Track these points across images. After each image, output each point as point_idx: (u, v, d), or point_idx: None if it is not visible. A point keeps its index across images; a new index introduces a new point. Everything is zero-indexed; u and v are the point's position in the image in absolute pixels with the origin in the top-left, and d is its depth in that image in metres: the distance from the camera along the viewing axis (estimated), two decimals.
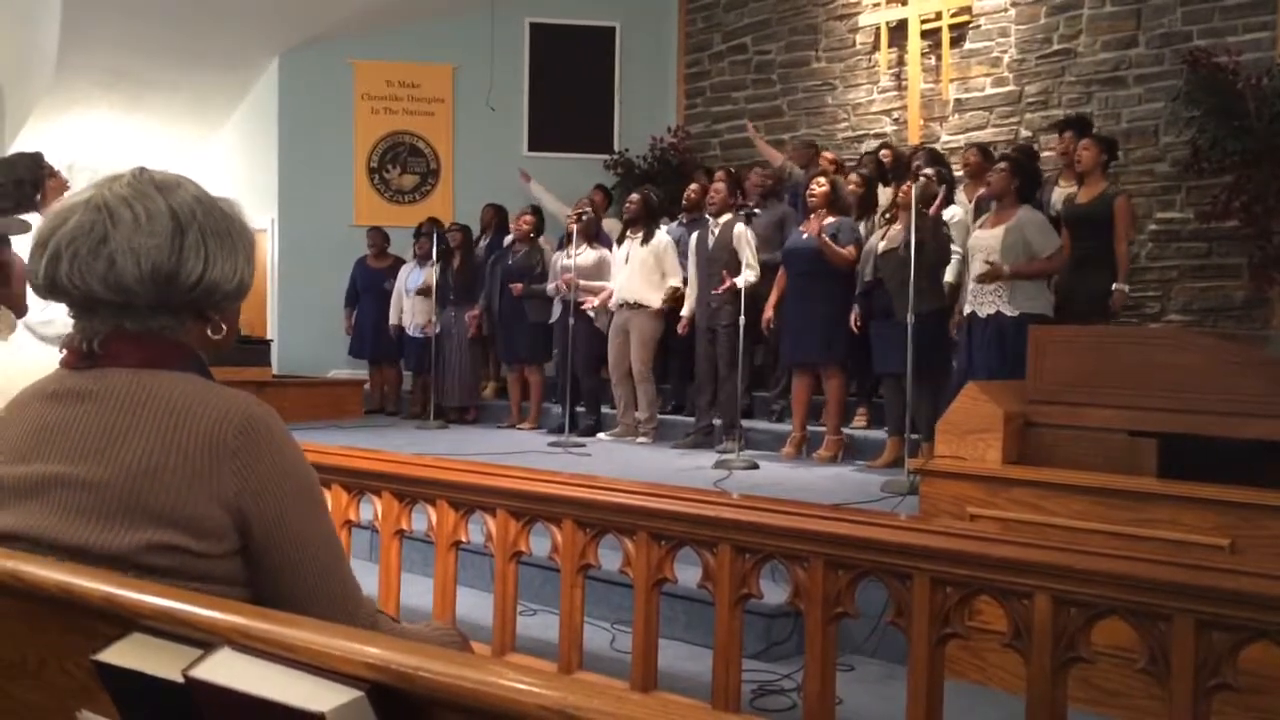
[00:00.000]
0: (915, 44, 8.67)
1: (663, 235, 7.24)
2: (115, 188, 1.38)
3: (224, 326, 1.46)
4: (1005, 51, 8.30)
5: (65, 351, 1.41)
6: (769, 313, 6.54)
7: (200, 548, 1.30)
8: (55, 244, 1.35)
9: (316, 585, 1.38)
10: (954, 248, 5.98)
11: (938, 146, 8.15)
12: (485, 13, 9.88)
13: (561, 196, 9.20)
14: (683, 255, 7.15)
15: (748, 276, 6.44)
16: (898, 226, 5.85)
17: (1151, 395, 3.64)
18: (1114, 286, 5.67)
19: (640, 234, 7.17)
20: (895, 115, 8.92)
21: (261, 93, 10.04)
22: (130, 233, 1.34)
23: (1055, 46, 8.03)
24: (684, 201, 7.76)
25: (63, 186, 4.10)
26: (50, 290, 1.37)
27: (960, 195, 6.62)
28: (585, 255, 7.49)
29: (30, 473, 1.35)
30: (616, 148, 10.23)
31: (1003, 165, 5.68)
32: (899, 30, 8.81)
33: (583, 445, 6.86)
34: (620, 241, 7.43)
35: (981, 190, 6.33)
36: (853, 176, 6.84)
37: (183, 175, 1.45)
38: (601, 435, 7.37)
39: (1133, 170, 7.50)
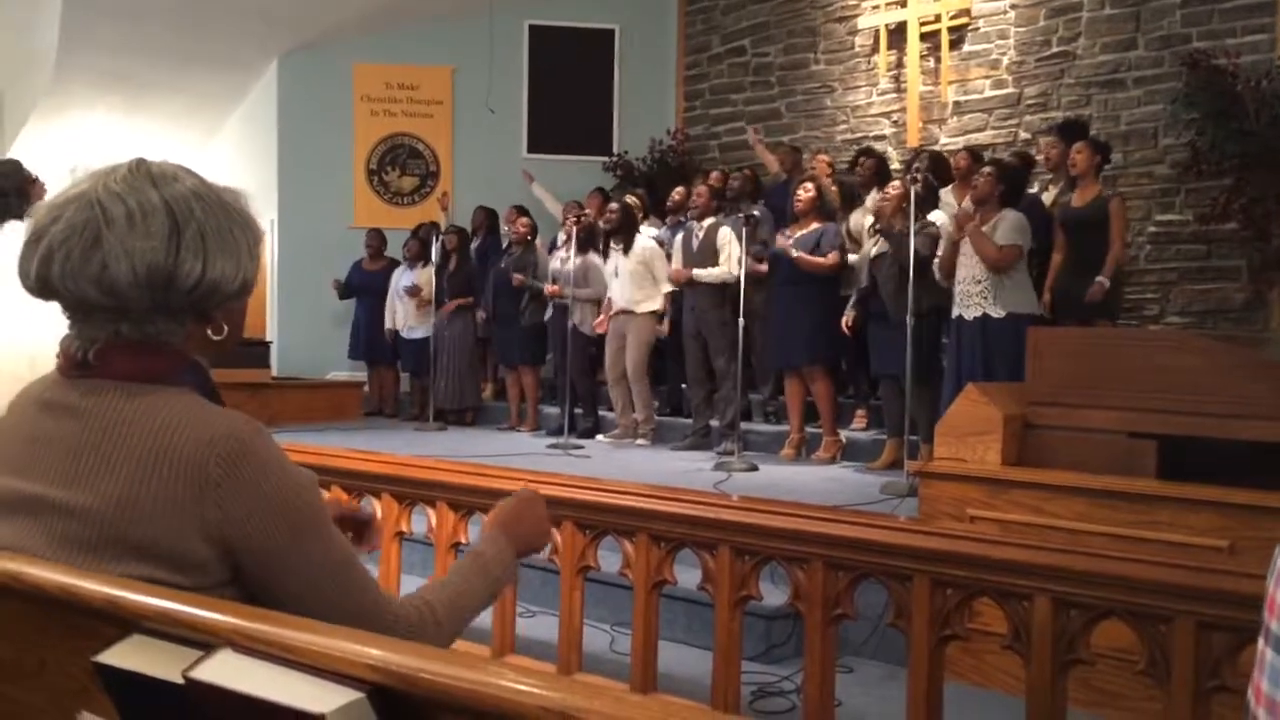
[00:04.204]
0: (914, 46, 8.68)
1: (646, 241, 7.23)
2: (110, 182, 1.30)
3: (225, 326, 1.37)
4: (1004, 54, 8.31)
5: (60, 355, 1.34)
6: (684, 274, 6.58)
7: (184, 581, 1.24)
8: (48, 243, 1.28)
9: (329, 609, 1.29)
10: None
11: (937, 148, 8.15)
12: (484, 15, 9.88)
13: (561, 198, 9.20)
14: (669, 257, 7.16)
15: (717, 269, 6.46)
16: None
17: (1151, 397, 3.65)
18: (1096, 278, 5.65)
19: (622, 244, 7.17)
20: (894, 118, 8.93)
21: (261, 95, 10.05)
22: (124, 233, 1.26)
23: (1054, 49, 8.04)
24: (668, 204, 7.75)
25: (43, 190, 4.06)
26: (43, 291, 1.30)
27: (950, 198, 6.63)
28: (571, 262, 7.48)
29: (20, 489, 1.31)
30: (616, 150, 10.23)
31: (988, 170, 5.70)
32: (898, 33, 8.82)
33: (581, 447, 6.86)
34: (606, 253, 7.40)
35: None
36: (825, 179, 6.86)
37: (182, 167, 1.36)
38: (600, 437, 7.37)
39: (1132, 172, 7.51)
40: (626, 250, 7.12)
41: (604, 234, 7.43)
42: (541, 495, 1.71)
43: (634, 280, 7.08)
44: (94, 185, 1.30)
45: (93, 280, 1.26)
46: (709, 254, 6.64)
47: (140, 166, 1.33)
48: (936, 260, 5.64)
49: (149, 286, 1.27)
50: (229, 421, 1.28)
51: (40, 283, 1.29)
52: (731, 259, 6.51)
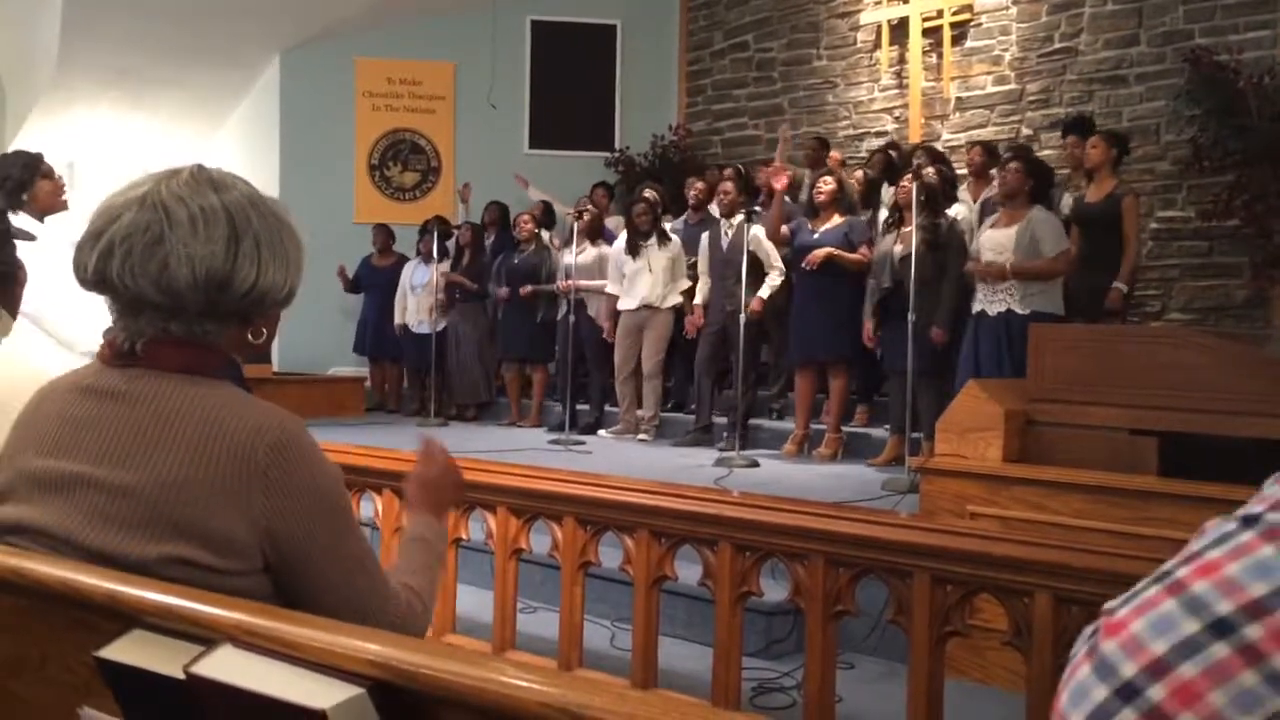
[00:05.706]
0: (916, 42, 8.67)
1: (675, 239, 7.23)
2: (172, 185, 1.33)
3: (264, 331, 1.42)
4: (1006, 50, 8.30)
5: (104, 344, 1.37)
6: (756, 305, 6.48)
7: (221, 564, 1.27)
8: (109, 239, 1.30)
9: (351, 603, 1.34)
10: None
11: (939, 145, 8.14)
12: (486, 10, 9.87)
13: (562, 196, 9.18)
14: (690, 253, 7.13)
15: (772, 281, 6.48)
16: (909, 229, 5.80)
17: (1153, 394, 3.64)
18: (1113, 284, 5.65)
19: (654, 240, 7.12)
20: (896, 113, 8.92)
21: (263, 90, 10.04)
22: (187, 236, 1.30)
23: (1056, 45, 8.03)
24: (691, 201, 7.67)
25: (58, 189, 4.08)
26: (98, 285, 1.33)
27: (964, 194, 6.60)
28: (585, 254, 7.48)
29: (58, 468, 1.33)
30: (618, 145, 10.22)
31: (1016, 164, 5.58)
32: (900, 28, 8.81)
33: (583, 443, 6.86)
34: (634, 252, 7.20)
35: (989, 189, 6.31)
36: (856, 173, 6.81)
37: (236, 175, 1.40)
38: (602, 432, 7.37)
39: (1134, 169, 7.48)
40: (662, 244, 7.08)
41: (637, 234, 7.32)
42: (434, 449, 1.71)
43: (663, 276, 7.07)
44: (155, 187, 1.33)
45: (152, 279, 1.30)
46: (739, 253, 6.59)
47: (201, 172, 1.37)
48: (973, 264, 5.57)
49: (205, 289, 1.31)
50: (275, 413, 1.33)
51: (97, 276, 1.33)
52: (773, 263, 6.49)
